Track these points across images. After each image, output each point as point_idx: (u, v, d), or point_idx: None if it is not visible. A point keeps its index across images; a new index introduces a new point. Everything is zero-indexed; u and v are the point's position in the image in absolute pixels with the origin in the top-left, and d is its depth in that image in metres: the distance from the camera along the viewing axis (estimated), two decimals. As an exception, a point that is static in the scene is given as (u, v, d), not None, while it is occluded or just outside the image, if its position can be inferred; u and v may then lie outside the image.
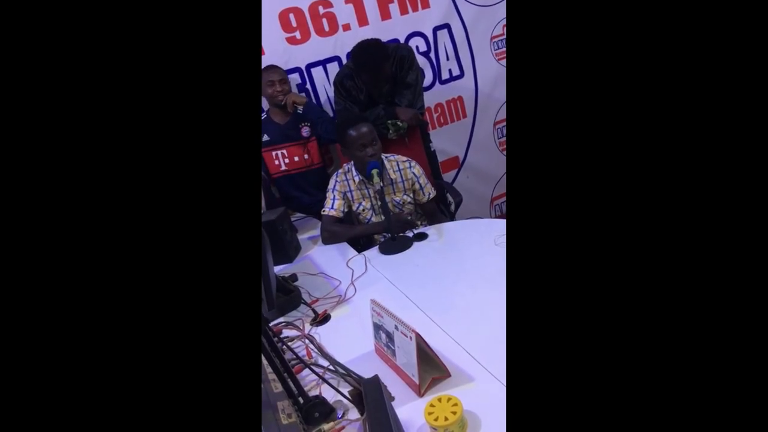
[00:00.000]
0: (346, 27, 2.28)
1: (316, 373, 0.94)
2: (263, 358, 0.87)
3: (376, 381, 0.47)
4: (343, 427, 0.82)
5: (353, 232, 1.77)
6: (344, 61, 2.30)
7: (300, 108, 2.12)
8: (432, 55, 2.49)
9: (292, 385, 0.85)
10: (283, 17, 2.16)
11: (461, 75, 2.57)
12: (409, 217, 1.75)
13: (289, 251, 1.73)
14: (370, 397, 0.46)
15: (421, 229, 1.70)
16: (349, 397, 0.90)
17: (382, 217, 1.75)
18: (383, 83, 2.02)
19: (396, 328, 0.93)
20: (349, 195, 1.80)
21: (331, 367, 1.02)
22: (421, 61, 2.37)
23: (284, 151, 2.15)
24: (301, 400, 0.85)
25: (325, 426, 0.79)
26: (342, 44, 2.29)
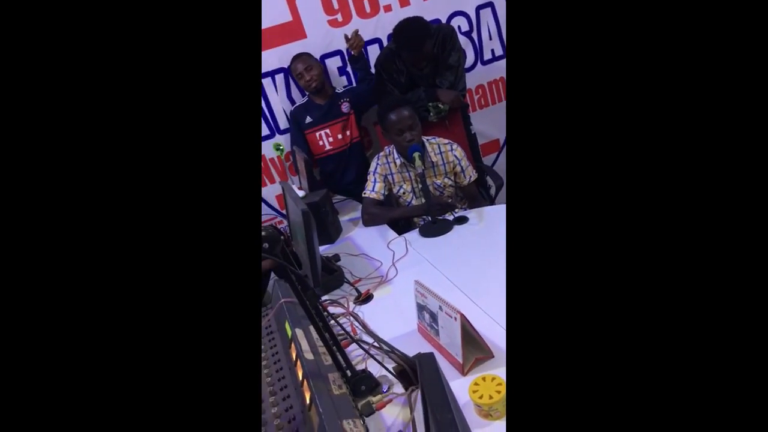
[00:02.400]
0: (388, 8, 2.26)
1: (363, 348, 0.98)
2: (314, 331, 0.92)
3: (430, 356, 0.49)
4: (391, 400, 0.86)
5: (393, 215, 1.79)
6: (385, 42, 2.29)
7: (354, 51, 2.11)
8: (474, 35, 2.44)
9: (340, 358, 0.89)
10: (326, 0, 2.17)
11: (504, 55, 2.51)
12: (450, 200, 1.76)
13: (331, 232, 1.78)
14: (426, 370, 0.48)
15: (461, 213, 1.70)
16: (394, 373, 0.94)
17: (423, 200, 1.76)
18: (424, 62, 2.00)
19: (440, 308, 0.95)
20: (389, 178, 1.82)
21: (375, 344, 1.05)
22: (462, 41, 2.32)
23: (327, 131, 2.18)
24: (348, 373, 0.89)
25: (374, 398, 0.83)
26: (383, 26, 2.27)
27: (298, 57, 2.09)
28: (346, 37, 2.11)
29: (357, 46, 2.10)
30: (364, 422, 0.75)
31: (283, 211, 2.41)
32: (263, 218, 2.38)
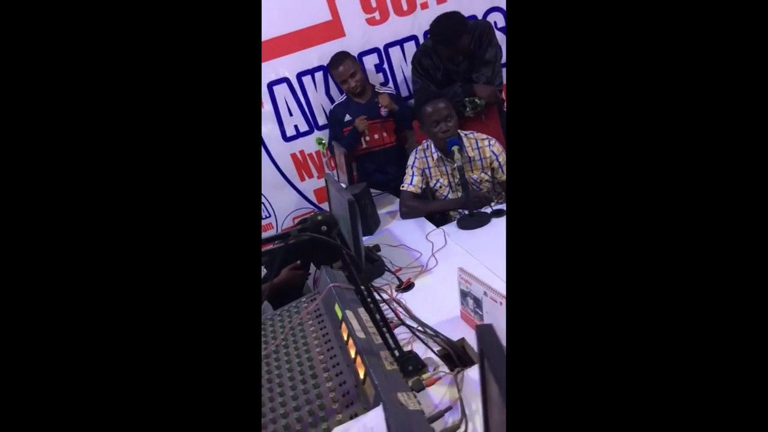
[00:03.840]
0: (424, 5, 2.29)
1: (412, 330, 1.02)
2: (363, 312, 0.97)
3: (489, 326, 0.52)
4: (440, 377, 0.90)
5: (431, 207, 1.83)
6: (421, 40, 2.32)
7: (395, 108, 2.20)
8: (510, 30, 2.44)
9: (389, 339, 0.94)
10: (364, -2, 2.23)
11: (540, 50, 2.49)
12: (487, 193, 1.78)
13: (370, 224, 1.83)
14: (487, 339, 0.51)
15: (499, 206, 1.72)
16: (440, 355, 0.98)
17: (459, 194, 1.79)
18: (460, 57, 2.02)
19: (485, 294, 0.98)
20: (427, 171, 1.85)
21: (419, 328, 1.09)
22: (499, 36, 2.32)
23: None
24: (396, 353, 0.94)
25: (424, 375, 0.88)
26: (420, 23, 2.30)
27: (341, 61, 2.12)
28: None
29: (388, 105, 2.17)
30: (415, 396, 0.79)
31: (321, 205, 2.49)
32: (302, 212, 2.46)
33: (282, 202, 2.41)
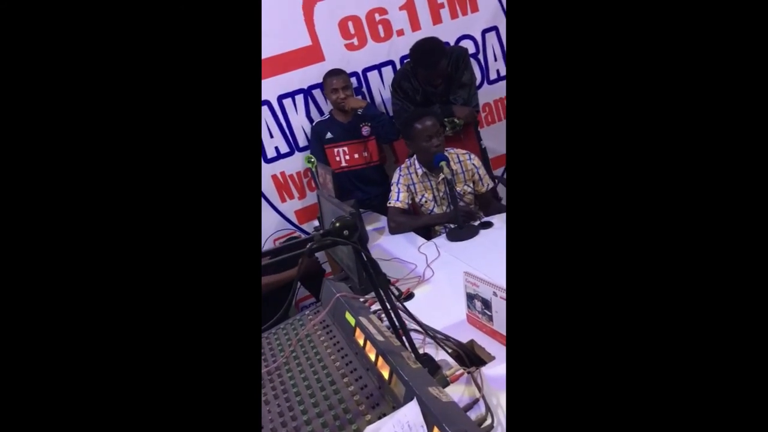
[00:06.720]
0: (400, 32, 2.41)
1: (429, 334, 1.04)
2: (374, 318, 0.98)
3: None
4: (463, 373, 0.92)
5: (419, 222, 1.87)
6: (398, 65, 2.43)
7: (360, 110, 2.25)
8: (480, 56, 2.59)
9: (405, 342, 0.95)
10: (343, 25, 2.31)
11: (509, 75, 2.66)
12: (472, 207, 1.85)
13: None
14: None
15: (485, 219, 1.78)
16: (453, 356, 0.99)
17: (443, 208, 1.85)
18: (439, 80, 2.12)
19: (494, 294, 1.02)
20: (412, 187, 1.90)
21: (428, 333, 1.11)
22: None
23: (345, 149, 2.28)
24: (413, 355, 0.95)
25: (447, 372, 0.89)
26: (396, 49, 2.41)
27: (338, 73, 2.19)
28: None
29: (350, 109, 2.22)
30: (444, 391, 0.80)
31: (302, 226, 2.48)
32: (283, 233, 2.44)
33: (262, 224, 2.39)
